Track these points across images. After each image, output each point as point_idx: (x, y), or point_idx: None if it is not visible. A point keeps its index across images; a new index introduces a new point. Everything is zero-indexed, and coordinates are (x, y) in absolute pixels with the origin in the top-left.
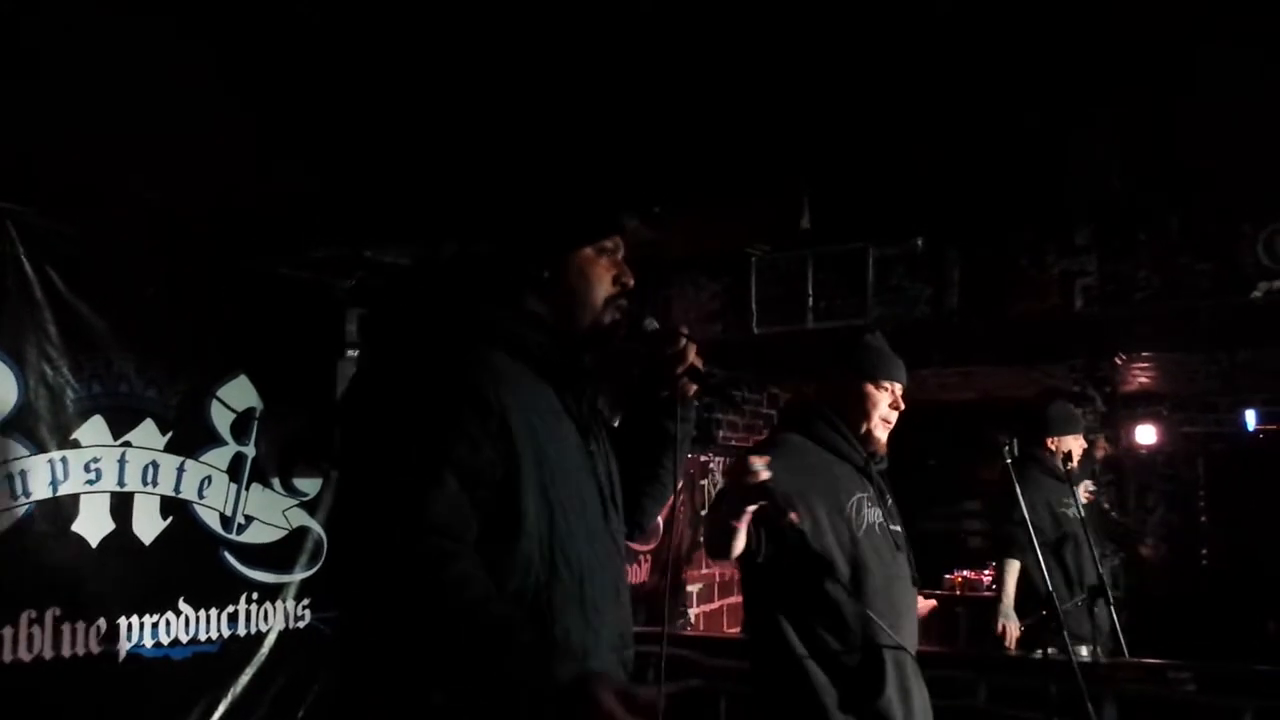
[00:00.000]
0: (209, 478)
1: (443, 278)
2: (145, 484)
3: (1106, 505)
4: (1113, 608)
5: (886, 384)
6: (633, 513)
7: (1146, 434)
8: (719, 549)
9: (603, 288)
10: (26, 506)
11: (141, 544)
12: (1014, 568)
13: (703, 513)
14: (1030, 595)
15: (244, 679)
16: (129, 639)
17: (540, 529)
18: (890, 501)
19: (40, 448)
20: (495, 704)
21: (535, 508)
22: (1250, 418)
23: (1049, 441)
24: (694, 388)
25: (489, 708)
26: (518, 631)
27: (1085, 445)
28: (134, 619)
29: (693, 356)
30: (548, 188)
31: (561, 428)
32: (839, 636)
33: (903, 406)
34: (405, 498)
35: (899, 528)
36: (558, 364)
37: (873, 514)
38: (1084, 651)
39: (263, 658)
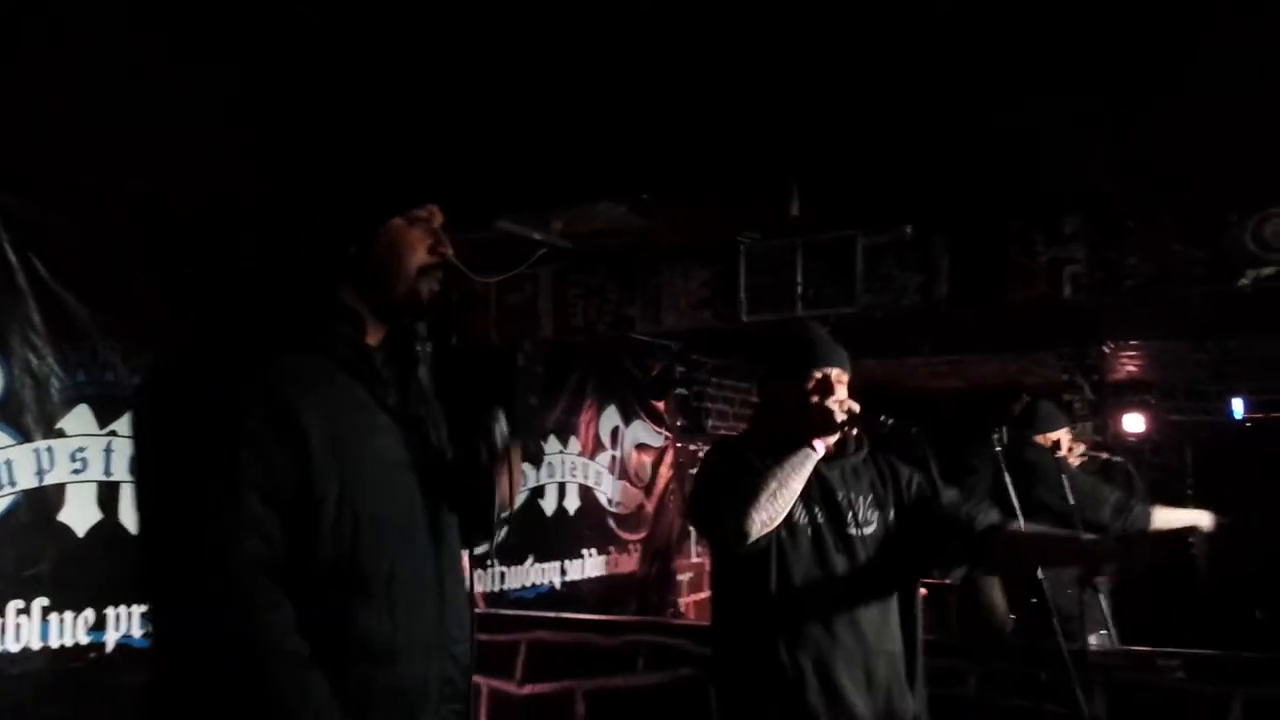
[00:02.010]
0: None
1: (258, 268)
2: (132, 473)
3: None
4: (1103, 596)
5: (816, 373)
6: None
7: (1134, 422)
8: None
9: (415, 257)
10: (12, 496)
11: (129, 534)
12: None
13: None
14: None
15: None
16: (117, 629)
17: (340, 532)
18: (843, 497)
19: (25, 437)
20: None
21: (333, 510)
22: (1238, 406)
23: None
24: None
25: None
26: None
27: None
28: (122, 609)
29: None
30: (352, 160)
31: (371, 421)
32: (773, 637)
33: (836, 391)
34: (212, 535)
35: (858, 529)
36: (367, 359)
37: (801, 516)
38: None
39: None
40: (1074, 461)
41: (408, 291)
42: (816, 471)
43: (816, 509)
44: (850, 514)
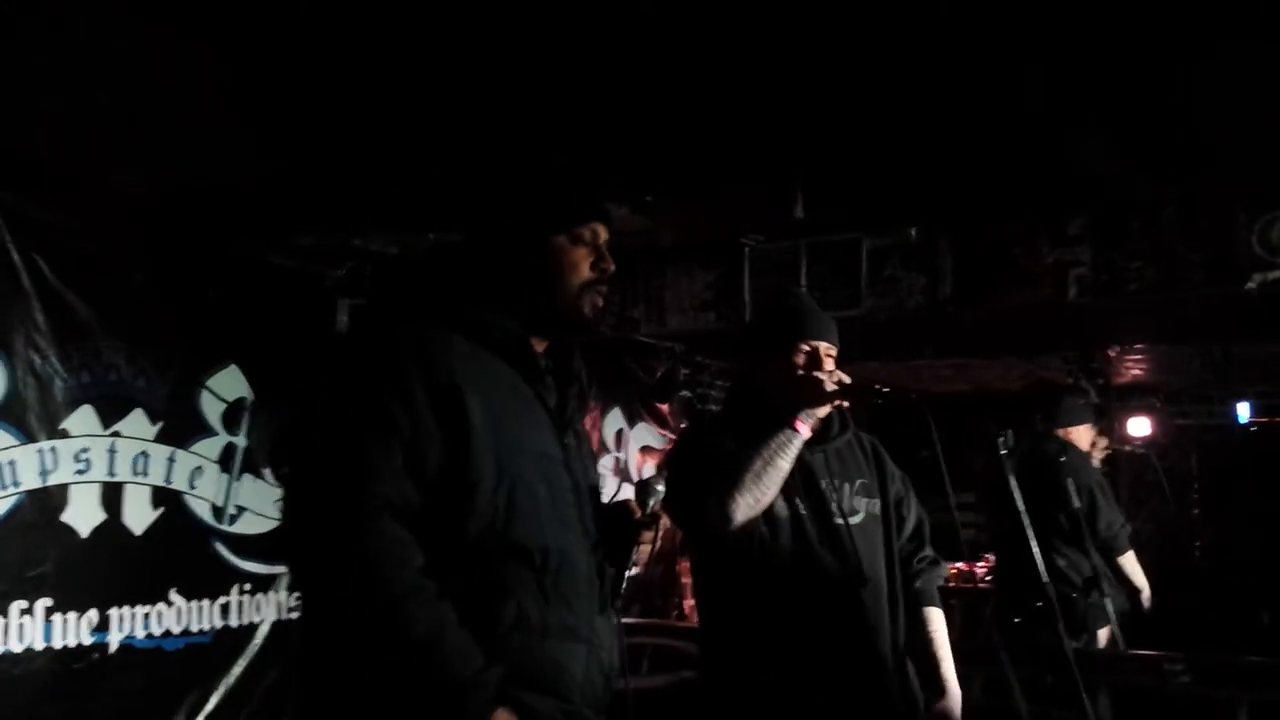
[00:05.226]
0: (200, 468)
1: (423, 268)
2: (136, 474)
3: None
4: (1109, 600)
5: (804, 346)
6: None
7: (1140, 426)
8: (757, 496)
9: (579, 275)
10: (16, 496)
11: (132, 534)
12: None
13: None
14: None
15: (236, 670)
16: (120, 630)
17: (496, 504)
18: (826, 485)
19: (29, 437)
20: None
21: (490, 482)
22: (1243, 410)
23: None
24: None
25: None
26: (446, 644)
27: None
28: (125, 610)
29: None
30: (521, 175)
31: (530, 414)
32: (759, 637)
33: (825, 366)
34: (354, 478)
35: (844, 518)
36: (527, 355)
37: (781, 508)
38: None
39: (255, 649)
40: (1096, 457)
41: (570, 308)
42: (797, 457)
43: (797, 499)
44: (834, 503)
